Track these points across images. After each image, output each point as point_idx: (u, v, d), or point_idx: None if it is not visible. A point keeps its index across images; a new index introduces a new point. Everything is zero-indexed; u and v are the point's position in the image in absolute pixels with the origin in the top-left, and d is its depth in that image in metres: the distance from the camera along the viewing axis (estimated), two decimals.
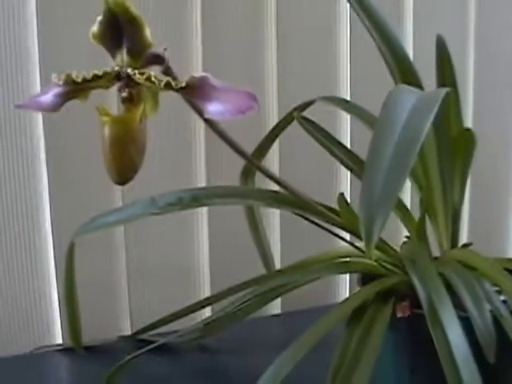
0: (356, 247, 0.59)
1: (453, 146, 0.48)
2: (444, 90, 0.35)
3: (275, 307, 0.82)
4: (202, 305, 0.69)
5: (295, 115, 0.60)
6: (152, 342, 0.65)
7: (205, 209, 0.75)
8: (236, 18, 0.74)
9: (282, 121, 0.62)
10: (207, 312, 0.76)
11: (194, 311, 0.70)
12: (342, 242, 0.61)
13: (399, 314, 0.52)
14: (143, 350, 0.62)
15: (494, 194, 0.91)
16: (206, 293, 0.77)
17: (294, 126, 0.62)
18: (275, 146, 0.67)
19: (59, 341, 0.75)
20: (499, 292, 0.51)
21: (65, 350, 0.72)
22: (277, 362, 0.48)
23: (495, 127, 0.89)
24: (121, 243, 0.75)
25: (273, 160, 0.75)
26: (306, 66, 0.79)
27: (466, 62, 0.86)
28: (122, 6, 0.38)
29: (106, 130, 0.39)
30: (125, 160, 0.40)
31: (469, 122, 0.86)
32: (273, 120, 0.74)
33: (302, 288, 0.55)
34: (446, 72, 0.53)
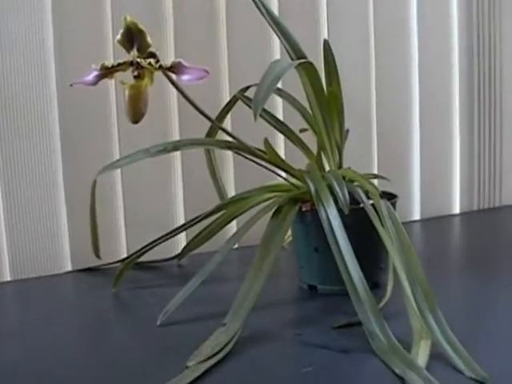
0: (280, 177, 0.89)
1: (329, 103, 0.80)
2: (297, 62, 0.68)
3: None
4: (178, 230, 0.94)
5: (238, 95, 0.91)
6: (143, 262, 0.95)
7: (179, 159, 1.05)
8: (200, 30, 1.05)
9: (232, 99, 0.93)
10: (183, 241, 1.05)
11: (172, 235, 0.94)
12: (274, 176, 0.91)
13: (304, 209, 0.82)
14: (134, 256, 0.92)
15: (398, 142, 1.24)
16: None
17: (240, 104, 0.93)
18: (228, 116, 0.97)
19: (68, 267, 1.01)
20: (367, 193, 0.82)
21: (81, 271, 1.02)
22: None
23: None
24: (118, 191, 1.03)
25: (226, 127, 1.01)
26: (250, 58, 1.07)
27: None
28: (134, 23, 0.69)
29: (127, 92, 0.71)
30: (137, 109, 0.71)
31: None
32: (225, 98, 1.04)
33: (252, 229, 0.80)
34: (330, 60, 0.84)
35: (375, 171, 1.21)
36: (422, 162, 1.27)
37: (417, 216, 1.28)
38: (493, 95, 1.30)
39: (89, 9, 0.98)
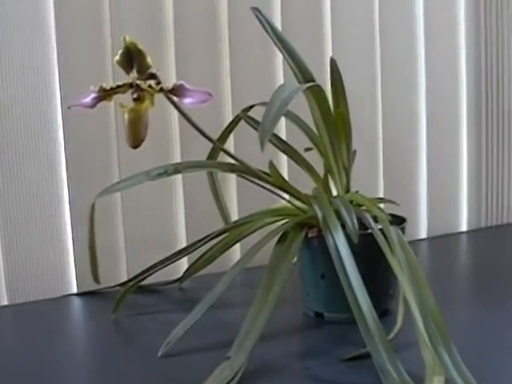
0: (285, 199, 0.86)
1: (336, 125, 0.77)
2: (305, 86, 0.65)
3: None
4: (180, 255, 0.91)
5: (240, 115, 0.88)
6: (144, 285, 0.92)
7: (180, 181, 1.02)
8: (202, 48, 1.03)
9: (234, 119, 0.90)
10: (184, 264, 1.02)
11: (174, 259, 0.91)
12: (279, 198, 0.88)
13: (310, 235, 0.79)
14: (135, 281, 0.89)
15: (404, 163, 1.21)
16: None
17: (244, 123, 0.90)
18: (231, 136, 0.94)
19: (74, 289, 0.99)
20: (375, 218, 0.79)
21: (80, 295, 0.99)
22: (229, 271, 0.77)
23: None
24: (119, 213, 1.01)
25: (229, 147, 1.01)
26: (253, 76, 1.05)
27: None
28: (133, 44, 0.66)
29: (126, 115, 0.68)
30: (137, 134, 0.68)
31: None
32: (228, 118, 1.01)
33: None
34: (337, 81, 0.82)
35: (381, 187, 1.19)
36: (429, 180, 1.24)
37: (424, 234, 1.25)
38: (501, 113, 1.28)
39: (88, 29, 0.95)
